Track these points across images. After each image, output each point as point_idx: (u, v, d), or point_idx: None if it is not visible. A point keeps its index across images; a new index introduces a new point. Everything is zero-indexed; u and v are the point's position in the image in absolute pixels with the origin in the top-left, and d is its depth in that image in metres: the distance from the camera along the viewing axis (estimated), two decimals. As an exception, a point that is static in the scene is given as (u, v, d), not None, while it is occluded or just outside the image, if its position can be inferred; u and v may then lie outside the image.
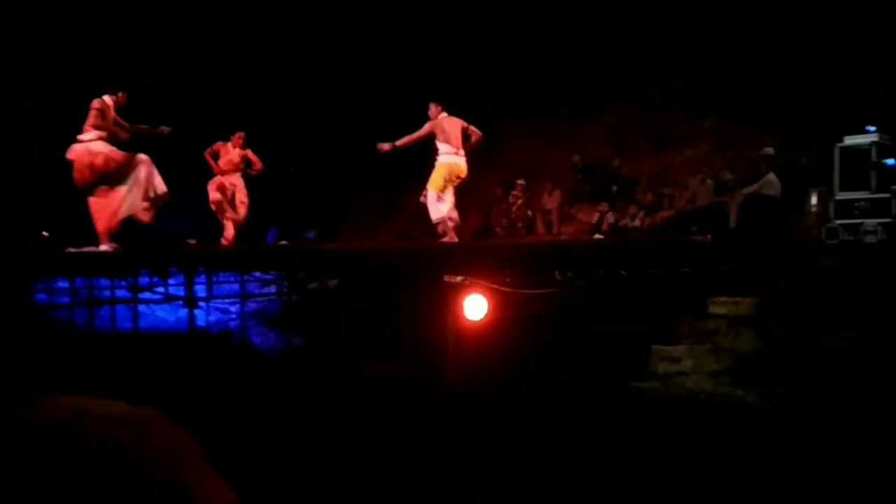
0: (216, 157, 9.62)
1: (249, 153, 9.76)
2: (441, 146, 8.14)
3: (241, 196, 9.61)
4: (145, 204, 6.64)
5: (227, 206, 9.50)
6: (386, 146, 8.23)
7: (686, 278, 8.63)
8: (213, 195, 9.46)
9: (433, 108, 8.27)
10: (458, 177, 8.12)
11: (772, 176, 9.42)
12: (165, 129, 7.35)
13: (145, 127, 7.05)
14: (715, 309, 8.54)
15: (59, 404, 5.10)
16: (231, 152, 9.64)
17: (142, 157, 6.65)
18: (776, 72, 11.64)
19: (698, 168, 11.83)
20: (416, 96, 10.02)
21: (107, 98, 6.57)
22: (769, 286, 8.46)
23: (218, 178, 9.59)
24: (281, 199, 18.46)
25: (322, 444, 7.05)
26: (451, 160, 8.07)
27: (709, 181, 10.71)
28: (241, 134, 9.74)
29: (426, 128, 8.19)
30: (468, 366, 8.15)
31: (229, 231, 9.50)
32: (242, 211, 9.58)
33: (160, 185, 6.75)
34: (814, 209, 9.11)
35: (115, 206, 6.49)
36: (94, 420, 4.87)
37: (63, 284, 10.14)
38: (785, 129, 10.93)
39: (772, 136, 10.90)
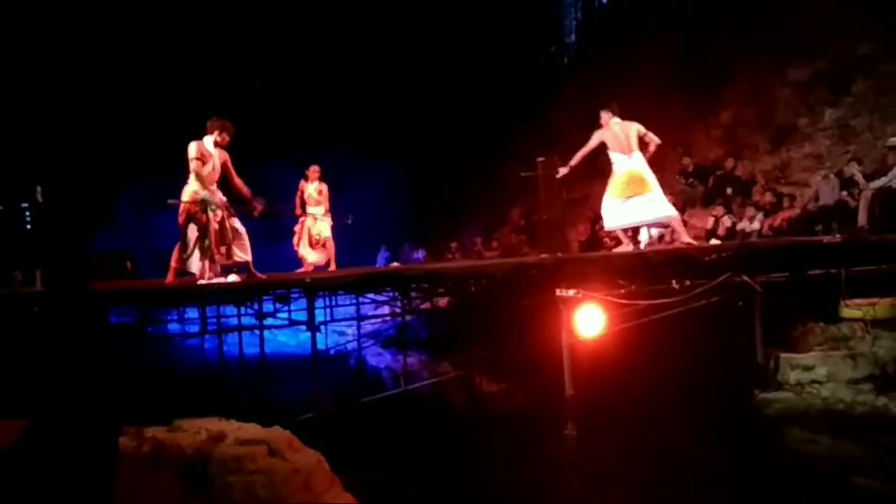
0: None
1: (325, 188, 9.06)
2: (613, 156, 7.84)
3: (324, 238, 9.09)
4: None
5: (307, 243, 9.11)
6: (563, 170, 7.93)
7: (814, 281, 8.18)
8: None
9: (604, 115, 7.92)
10: (637, 180, 7.71)
11: (902, 167, 8.80)
12: (259, 206, 6.94)
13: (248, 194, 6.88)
14: (848, 312, 8.08)
15: (198, 427, 5.44)
16: (306, 188, 9.03)
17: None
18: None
19: (820, 164, 11.21)
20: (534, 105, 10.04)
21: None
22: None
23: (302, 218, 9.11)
24: (388, 222, 19.00)
25: (445, 462, 7.11)
26: (625, 166, 7.79)
27: (832, 177, 10.10)
28: (316, 168, 9.02)
29: (594, 139, 7.87)
30: (585, 377, 8.02)
31: (308, 267, 9.20)
32: (324, 250, 9.06)
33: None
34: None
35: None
36: (230, 441, 5.16)
37: (193, 314, 10.74)
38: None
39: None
